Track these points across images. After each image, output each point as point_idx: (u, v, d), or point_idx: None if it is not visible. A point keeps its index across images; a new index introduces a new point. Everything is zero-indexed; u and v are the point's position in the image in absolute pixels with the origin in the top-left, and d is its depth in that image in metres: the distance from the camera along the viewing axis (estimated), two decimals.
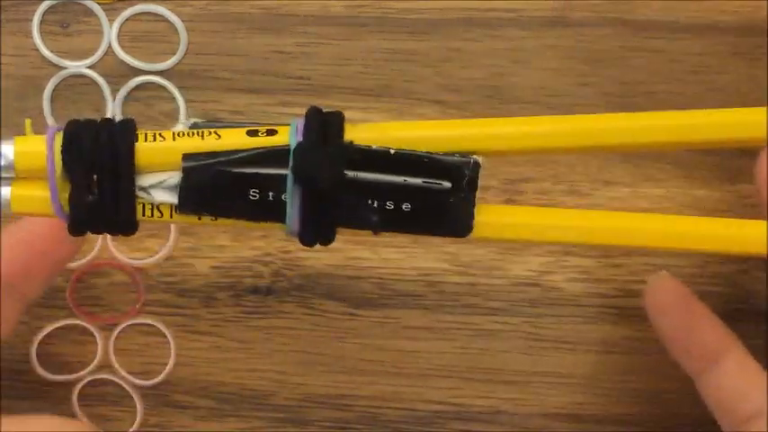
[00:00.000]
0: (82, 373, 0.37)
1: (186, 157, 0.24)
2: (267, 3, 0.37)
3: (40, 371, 0.37)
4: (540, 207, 0.26)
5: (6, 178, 0.25)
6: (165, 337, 0.37)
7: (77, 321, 0.37)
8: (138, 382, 0.37)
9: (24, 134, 0.26)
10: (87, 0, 0.37)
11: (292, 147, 0.24)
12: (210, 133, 0.25)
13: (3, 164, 0.25)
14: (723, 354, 0.30)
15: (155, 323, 0.37)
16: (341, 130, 0.25)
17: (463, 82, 0.37)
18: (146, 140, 0.25)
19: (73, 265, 0.36)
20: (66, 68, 0.37)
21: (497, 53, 0.37)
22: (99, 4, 0.37)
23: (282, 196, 0.24)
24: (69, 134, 0.25)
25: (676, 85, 0.36)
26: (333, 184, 0.24)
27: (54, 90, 0.37)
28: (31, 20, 0.37)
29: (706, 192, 0.36)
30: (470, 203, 0.25)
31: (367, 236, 0.37)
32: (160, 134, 0.25)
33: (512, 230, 0.26)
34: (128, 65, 0.37)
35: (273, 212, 0.25)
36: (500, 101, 0.36)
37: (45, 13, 0.37)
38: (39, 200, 0.25)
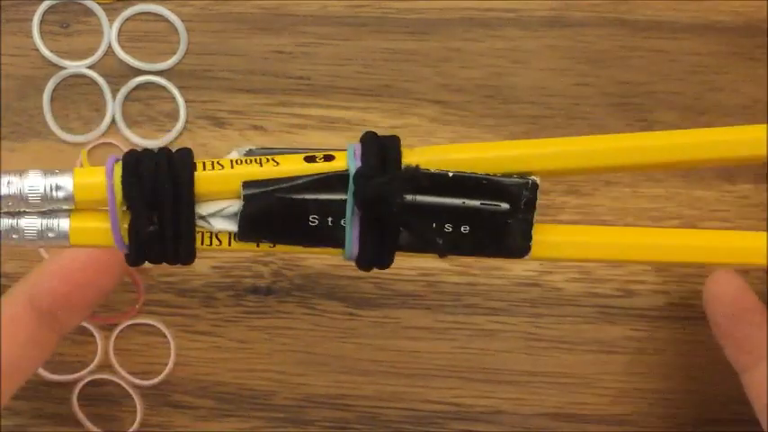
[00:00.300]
0: (82, 373, 0.37)
1: (246, 184, 0.24)
2: (267, 3, 0.37)
3: (40, 370, 0.37)
4: (596, 226, 0.27)
5: (64, 210, 0.25)
6: (165, 337, 0.37)
7: None
8: (138, 382, 0.37)
9: (81, 165, 0.26)
10: (87, 0, 0.37)
11: (351, 172, 0.24)
12: (268, 160, 0.25)
13: (61, 195, 0.25)
14: None
15: (155, 323, 0.37)
16: (399, 155, 0.25)
17: (463, 82, 0.37)
18: (204, 169, 0.25)
19: None
20: (66, 68, 0.37)
21: (497, 53, 0.37)
22: (99, 4, 0.37)
23: (342, 221, 0.25)
24: (129, 165, 0.24)
25: (676, 85, 0.36)
26: (394, 209, 0.24)
27: (54, 90, 0.37)
28: (31, 20, 0.37)
29: (705, 192, 0.36)
30: (528, 224, 0.25)
31: None
32: (218, 162, 0.25)
33: (569, 249, 0.26)
34: (128, 65, 0.37)
35: (332, 238, 0.25)
36: (500, 101, 0.36)
37: (45, 13, 0.37)
38: (98, 231, 0.25)
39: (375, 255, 0.25)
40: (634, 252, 0.26)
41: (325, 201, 0.24)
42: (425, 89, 0.37)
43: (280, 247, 0.25)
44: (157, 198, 0.24)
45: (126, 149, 0.37)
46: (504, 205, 0.25)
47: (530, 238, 0.25)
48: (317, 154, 0.25)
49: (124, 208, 0.24)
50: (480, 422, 0.37)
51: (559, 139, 0.25)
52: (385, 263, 0.25)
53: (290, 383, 0.37)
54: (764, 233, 0.26)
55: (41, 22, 0.37)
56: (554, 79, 0.36)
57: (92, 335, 0.37)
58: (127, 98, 0.37)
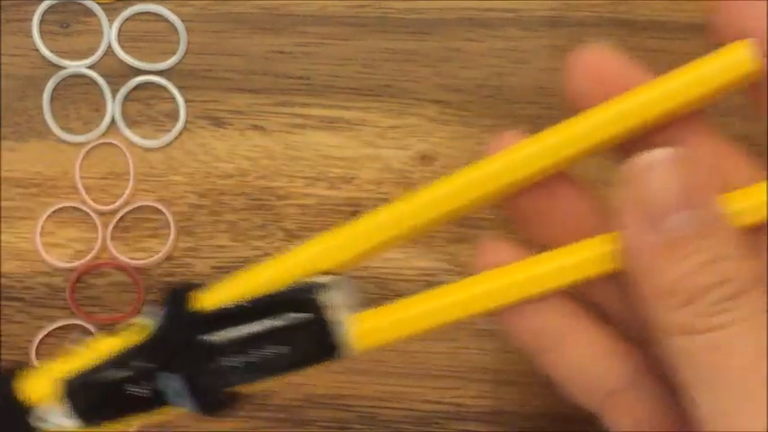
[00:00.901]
0: None
1: (60, 380, 0.25)
2: (267, 3, 0.37)
3: None
4: (420, 294, 0.26)
5: None
6: None
7: (77, 321, 0.37)
8: None
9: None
10: (87, 0, 0.37)
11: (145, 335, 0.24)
12: (83, 349, 0.25)
13: None
14: (568, 326, 0.25)
15: None
16: (188, 302, 0.24)
17: (463, 82, 0.37)
18: (29, 377, 0.25)
19: (73, 265, 0.36)
20: (66, 68, 0.37)
21: (497, 53, 0.37)
22: (99, 4, 0.37)
23: (159, 382, 0.24)
24: None
25: None
26: (193, 357, 0.24)
27: (54, 90, 0.37)
28: (31, 20, 0.37)
29: None
30: (336, 323, 0.24)
31: None
32: (42, 367, 0.25)
33: (397, 328, 0.25)
34: (128, 65, 0.37)
35: (161, 399, 0.24)
36: (500, 101, 0.37)
37: (45, 13, 0.37)
38: None
39: (213, 400, 0.24)
40: (473, 306, 0.24)
41: (136, 370, 0.24)
42: (425, 89, 0.37)
43: (123, 425, 0.25)
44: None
45: (126, 149, 0.37)
46: (303, 314, 0.24)
47: (344, 334, 0.24)
48: (123, 328, 0.25)
49: None
50: (480, 422, 0.37)
51: (333, 233, 0.24)
52: (227, 405, 0.25)
53: (290, 383, 0.37)
54: (604, 236, 0.24)
55: (41, 22, 0.37)
56: (554, 79, 0.36)
57: (92, 335, 0.37)
58: (127, 98, 0.37)
